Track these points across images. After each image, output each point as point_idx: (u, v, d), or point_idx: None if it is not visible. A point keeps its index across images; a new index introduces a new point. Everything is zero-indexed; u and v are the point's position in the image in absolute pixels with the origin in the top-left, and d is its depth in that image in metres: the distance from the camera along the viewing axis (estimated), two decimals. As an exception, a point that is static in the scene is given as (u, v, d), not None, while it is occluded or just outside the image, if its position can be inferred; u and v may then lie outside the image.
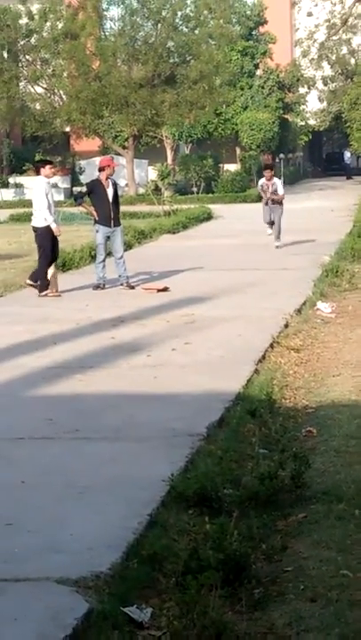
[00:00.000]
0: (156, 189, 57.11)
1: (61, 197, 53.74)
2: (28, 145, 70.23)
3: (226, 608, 7.08)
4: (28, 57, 64.62)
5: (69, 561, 7.99)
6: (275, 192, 29.98)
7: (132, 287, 23.46)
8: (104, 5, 63.35)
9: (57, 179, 56.13)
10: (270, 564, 7.94)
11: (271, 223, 28.66)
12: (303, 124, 75.64)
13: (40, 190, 23.97)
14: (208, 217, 47.50)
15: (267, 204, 30.65)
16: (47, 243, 22.63)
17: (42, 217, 23.15)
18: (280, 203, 30.40)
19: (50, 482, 10.45)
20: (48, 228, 22.93)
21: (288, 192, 64.87)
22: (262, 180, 30.28)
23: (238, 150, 67.35)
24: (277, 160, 72.50)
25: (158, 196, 54.12)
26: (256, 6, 70.22)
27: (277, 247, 29.76)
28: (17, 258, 25.38)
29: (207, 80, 61.40)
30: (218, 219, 44.87)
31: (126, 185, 56.96)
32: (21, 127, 67.70)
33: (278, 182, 31.83)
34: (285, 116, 72.58)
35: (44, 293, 22.48)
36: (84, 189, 28.15)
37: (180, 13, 62.55)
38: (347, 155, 77.24)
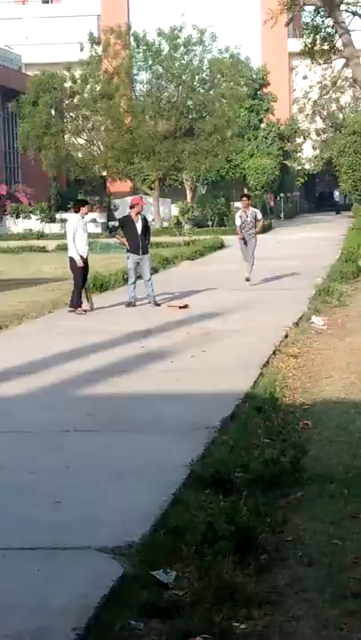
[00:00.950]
0: (178, 223, 57.56)
1: (99, 230, 53.93)
2: (72, 187, 70.27)
3: (237, 572, 7.14)
4: (71, 114, 64.81)
5: (107, 533, 8.11)
6: (255, 219, 29.05)
7: (158, 305, 23.46)
8: (134, 71, 63.61)
9: (95, 215, 56.24)
10: (273, 534, 8.01)
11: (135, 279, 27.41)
12: (300, 168, 76.17)
13: (69, 227, 24.40)
14: (221, 246, 47.59)
15: (244, 241, 29.09)
16: (76, 269, 22.72)
17: (71, 250, 23.28)
18: (255, 234, 29.18)
19: (90, 467, 10.61)
20: (74, 260, 23.02)
21: (287, 225, 64.77)
22: (240, 212, 29.30)
23: (246, 191, 67.50)
24: (278, 199, 73.17)
25: (179, 229, 54.59)
26: (260, 71, 70.86)
27: (248, 280, 28.13)
28: (63, 281, 25.38)
29: (220, 133, 61.91)
30: (229, 247, 44.78)
31: (153, 220, 56.90)
32: (66, 172, 67.97)
33: (256, 210, 30.96)
34: (285, 162, 73.10)
35: (72, 309, 22.62)
36: (118, 224, 28.59)
37: (197, 77, 62.95)
38: (336, 193, 77.28)
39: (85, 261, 23.14)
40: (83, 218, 24.34)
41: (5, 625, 6.47)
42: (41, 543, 8.09)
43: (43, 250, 46.39)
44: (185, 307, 23.28)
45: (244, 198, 29.66)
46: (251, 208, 29.13)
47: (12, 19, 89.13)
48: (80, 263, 22.83)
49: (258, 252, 33.07)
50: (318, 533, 8.14)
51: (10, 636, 6.25)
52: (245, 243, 29.39)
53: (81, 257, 22.95)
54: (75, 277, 22.89)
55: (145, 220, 24.99)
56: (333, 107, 48.47)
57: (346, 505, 8.85)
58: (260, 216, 30.61)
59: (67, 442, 11.62)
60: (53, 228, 61.15)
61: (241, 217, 29.18)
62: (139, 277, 24.00)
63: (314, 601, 6.87)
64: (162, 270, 30.14)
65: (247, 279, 27.62)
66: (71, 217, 25.60)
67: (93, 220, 25.06)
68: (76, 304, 22.70)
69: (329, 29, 21.35)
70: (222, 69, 64.59)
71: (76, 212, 24.74)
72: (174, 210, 62.37)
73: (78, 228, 23.53)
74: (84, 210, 25.27)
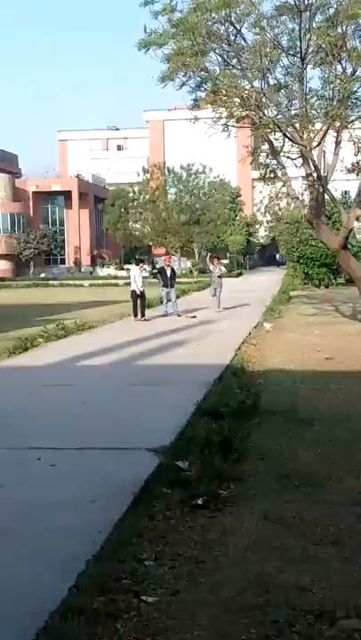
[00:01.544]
0: (190, 271, 57.48)
1: (146, 274, 53.82)
2: (132, 251, 70.07)
3: (221, 462, 7.12)
4: (132, 211, 64.78)
5: (150, 439, 8.09)
6: (173, 271, 27.39)
7: (179, 315, 23.26)
8: (167, 187, 63.58)
9: (145, 266, 56.52)
10: (242, 442, 7.98)
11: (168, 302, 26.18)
12: (257, 241, 75.77)
13: (132, 273, 24.41)
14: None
15: (165, 285, 26.90)
16: (134, 297, 22.69)
17: (132, 285, 23.34)
18: (221, 279, 28.22)
19: (140, 404, 10.47)
20: (134, 291, 22.96)
21: (250, 273, 64.44)
22: (211, 266, 27.71)
23: (228, 253, 67.60)
24: (245, 258, 73.01)
25: (191, 274, 54.51)
26: (236, 188, 71.09)
27: (218, 311, 25.32)
28: (125, 302, 25.21)
29: (214, 222, 62.02)
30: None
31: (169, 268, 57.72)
32: (129, 243, 67.69)
33: (221, 266, 30.10)
34: (249, 238, 72.97)
35: (137, 319, 22.64)
36: (156, 271, 29.12)
37: (201, 192, 62.99)
38: (278, 256, 76.33)
39: (142, 292, 23.13)
40: (140, 268, 24.47)
41: (97, 489, 6.52)
42: (109, 444, 8.18)
43: (115, 285, 45.98)
44: (194, 317, 23.25)
45: (216, 259, 29.12)
46: (218, 265, 28.45)
47: (101, 158, 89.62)
48: (138, 292, 22.88)
49: (234, 286, 33.00)
50: (267, 442, 8.08)
51: (97, 498, 6.28)
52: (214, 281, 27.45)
53: (138, 290, 23.02)
54: (133, 301, 23.01)
55: (172, 269, 25.36)
56: (276, 208, 48.06)
57: (282, 426, 8.82)
58: (224, 269, 30.44)
59: (126, 390, 11.35)
60: (121, 273, 61.27)
61: (211, 268, 28.28)
62: (168, 300, 24.18)
63: (264, 480, 6.91)
64: (182, 297, 30.04)
65: (218, 311, 25.36)
66: (133, 267, 25.47)
67: (144, 269, 24.91)
68: (134, 315, 22.79)
69: (273, 165, 21.04)
70: (215, 187, 65.35)
71: (137, 265, 25.02)
72: (188, 263, 62.58)
73: (137, 274, 23.72)
74: (141, 264, 25.71)
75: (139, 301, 23.20)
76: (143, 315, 23.20)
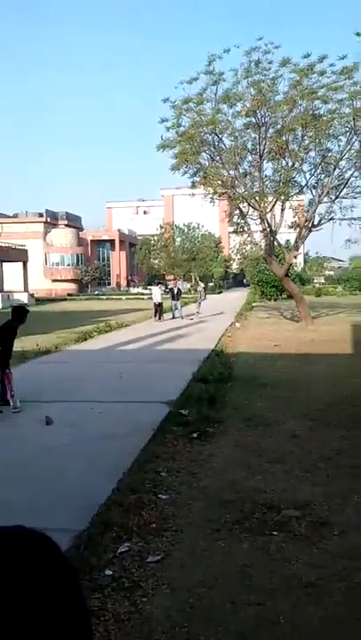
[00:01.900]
0: (189, 290, 57.22)
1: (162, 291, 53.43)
2: (153, 277, 69.65)
3: (209, 411, 7.10)
4: (153, 253, 64.60)
5: (163, 396, 8.06)
6: (179, 290, 24.73)
7: (183, 318, 23.08)
8: (175, 237, 63.38)
9: (162, 287, 56.20)
10: (222, 398, 7.98)
11: (175, 309, 23.65)
12: (231, 271, 74.73)
13: (154, 291, 23.70)
14: (206, 298, 47.36)
15: (173, 299, 24.15)
16: (155, 306, 22.41)
17: (154, 299, 23.12)
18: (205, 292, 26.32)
19: (152, 373, 10.37)
20: (155, 302, 22.67)
21: (226, 292, 63.75)
22: (170, 285, 26.41)
23: (213, 279, 66.87)
24: (224, 281, 71.65)
25: (189, 292, 54.27)
26: (218, 237, 69.65)
27: (199, 313, 23.74)
28: (148, 310, 25.08)
29: (203, 261, 61.59)
30: (207, 299, 44.73)
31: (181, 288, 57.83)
32: (151, 271, 67.33)
33: (180, 285, 28.36)
34: (227, 269, 72.01)
35: (155, 320, 22.44)
36: (168, 290, 28.43)
37: (196, 242, 62.71)
38: (245, 280, 75.96)
39: (160, 303, 22.48)
40: (159, 287, 24.03)
41: (130, 427, 6.52)
42: (137, 399, 8.08)
43: (142, 299, 45.13)
44: (191, 319, 22.99)
45: (174, 280, 28.19)
46: (178, 284, 27.06)
47: (133, 219, 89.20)
48: (157, 303, 22.41)
49: (216, 300, 32.91)
50: (238, 398, 8.05)
51: (128, 433, 6.28)
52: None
53: (157, 301, 22.52)
54: (154, 308, 22.61)
55: (178, 289, 24.92)
56: (243, 250, 47.95)
57: (247, 388, 8.76)
58: (183, 288, 29.52)
59: (145, 366, 11.19)
60: (145, 291, 61.08)
61: (172, 288, 26.71)
62: (175, 309, 23.90)
63: (235, 421, 6.88)
64: (184, 306, 29.91)
65: (197, 314, 23.78)
66: (154, 287, 24.82)
67: (162, 289, 24.61)
68: (154, 317, 22.42)
69: (242, 223, 21.03)
70: (205, 237, 64.49)
71: (157, 285, 24.66)
72: (188, 285, 62.17)
73: (156, 291, 23.26)
74: (160, 285, 25.42)
75: (158, 308, 22.72)
76: (160, 317, 22.66)
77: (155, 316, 22.80)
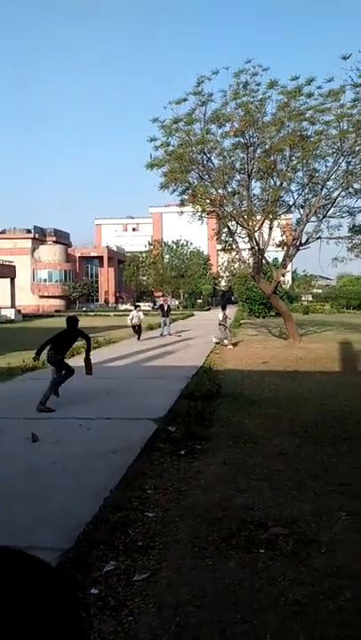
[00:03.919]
0: (178, 307, 57.14)
1: (148, 309, 53.34)
2: (141, 293, 69.98)
3: (197, 428, 7.09)
4: (141, 269, 64.56)
5: (151, 412, 8.02)
6: (169, 307, 24.26)
7: (171, 335, 22.86)
8: (164, 254, 63.47)
9: (150, 303, 55.97)
10: (210, 414, 7.95)
11: (164, 326, 23.23)
12: (220, 288, 74.63)
13: (132, 314, 21.57)
14: (192, 315, 47.31)
15: (163, 316, 23.71)
16: (133, 327, 21.20)
17: (130, 321, 21.47)
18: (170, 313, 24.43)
19: (141, 389, 10.26)
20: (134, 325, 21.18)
21: (214, 309, 64.45)
22: (160, 301, 25.63)
23: (202, 296, 67.02)
24: (211, 298, 71.80)
25: (178, 308, 54.21)
26: (206, 255, 69.67)
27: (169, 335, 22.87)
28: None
29: (193, 276, 61.51)
30: (196, 316, 44.78)
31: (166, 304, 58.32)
32: (139, 288, 67.37)
33: (170, 300, 27.74)
34: (215, 286, 72.03)
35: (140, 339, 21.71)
36: (157, 306, 28.26)
37: (185, 259, 62.62)
38: (233, 297, 76.11)
39: (137, 324, 21.05)
40: (137, 310, 21.96)
41: (117, 444, 6.49)
42: (125, 416, 8.02)
43: (127, 315, 45.41)
44: (179, 335, 23.02)
45: (163, 296, 27.61)
46: (168, 300, 26.25)
47: (122, 236, 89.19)
48: (133, 324, 21.20)
49: (204, 317, 32.82)
50: (226, 415, 8.04)
51: (115, 450, 6.23)
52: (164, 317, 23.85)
53: (132, 323, 21.18)
54: (133, 329, 20.98)
55: (168, 306, 24.72)
56: (231, 268, 48.08)
57: (235, 405, 8.76)
58: (172, 304, 28.43)
59: (133, 382, 11.11)
60: (132, 310, 61.16)
61: (162, 304, 25.20)
62: (165, 325, 23.72)
63: (223, 439, 6.87)
64: (173, 323, 29.88)
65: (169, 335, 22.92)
66: (134, 312, 21.70)
67: (140, 311, 24.40)
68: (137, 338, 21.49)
69: (230, 241, 21.20)
70: (194, 255, 64.32)
71: (135, 308, 22.62)
72: (176, 302, 62.14)
73: (134, 314, 21.48)
74: (138, 308, 22.92)
75: (138, 329, 21.21)
76: (139, 337, 21.04)
77: (136, 333, 21.48)
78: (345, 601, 3.24)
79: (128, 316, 23.14)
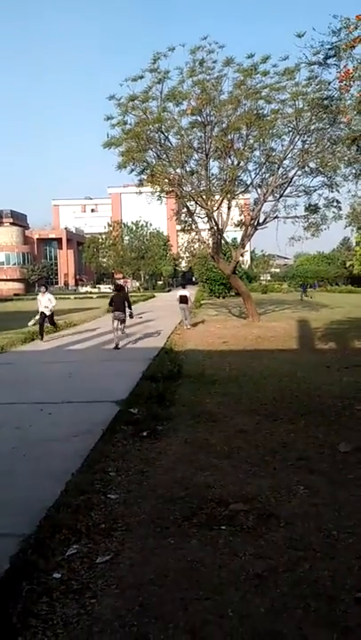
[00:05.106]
0: (138, 289, 56.84)
1: (109, 290, 52.81)
2: (102, 275, 69.30)
3: (158, 409, 7.10)
4: (101, 251, 63.83)
5: (113, 395, 7.97)
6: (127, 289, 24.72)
7: (132, 317, 22.74)
8: (123, 235, 62.89)
9: (110, 285, 55.53)
10: (171, 395, 7.96)
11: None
12: (180, 269, 74.17)
13: (40, 299, 16.81)
14: (153, 296, 47.06)
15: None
16: (42, 318, 15.51)
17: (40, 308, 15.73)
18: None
19: (102, 372, 10.18)
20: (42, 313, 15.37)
21: (175, 290, 64.42)
22: (120, 283, 24.66)
23: (162, 277, 66.88)
24: (172, 280, 71.42)
25: (140, 290, 53.92)
26: (166, 236, 69.16)
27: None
28: (96, 309, 24.43)
29: (153, 258, 61.39)
30: (156, 297, 44.62)
31: (127, 287, 57.16)
32: (99, 270, 66.68)
33: (130, 282, 27.61)
34: (176, 267, 71.61)
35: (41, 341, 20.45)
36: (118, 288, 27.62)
37: (145, 239, 62.46)
38: (194, 278, 75.93)
39: (43, 313, 15.22)
40: (43, 294, 15.56)
41: (79, 427, 6.43)
42: (86, 399, 7.95)
43: (90, 298, 44.48)
44: (141, 317, 22.53)
45: (123, 278, 27.27)
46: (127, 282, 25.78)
47: (81, 217, 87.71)
48: (45, 313, 15.45)
49: (166, 297, 32.79)
50: (188, 396, 8.06)
51: (77, 434, 6.19)
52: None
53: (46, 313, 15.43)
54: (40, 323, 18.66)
55: (126, 287, 24.50)
56: (191, 248, 47.81)
57: (196, 385, 8.78)
58: (130, 286, 28.39)
59: (94, 365, 10.98)
60: (94, 290, 60.51)
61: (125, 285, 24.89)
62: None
63: (184, 419, 6.90)
64: (134, 305, 29.75)
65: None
66: (40, 295, 15.69)
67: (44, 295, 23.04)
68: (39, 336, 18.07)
69: (189, 221, 21.15)
70: (153, 236, 64.12)
71: (42, 291, 15.77)
72: (136, 283, 61.74)
73: (41, 299, 15.42)
74: (43, 288, 16.12)
75: (41, 322, 15.52)
76: (42, 337, 15.38)
77: (40, 334, 15.51)
78: (303, 572, 3.34)
79: (93, 295, 22.47)
